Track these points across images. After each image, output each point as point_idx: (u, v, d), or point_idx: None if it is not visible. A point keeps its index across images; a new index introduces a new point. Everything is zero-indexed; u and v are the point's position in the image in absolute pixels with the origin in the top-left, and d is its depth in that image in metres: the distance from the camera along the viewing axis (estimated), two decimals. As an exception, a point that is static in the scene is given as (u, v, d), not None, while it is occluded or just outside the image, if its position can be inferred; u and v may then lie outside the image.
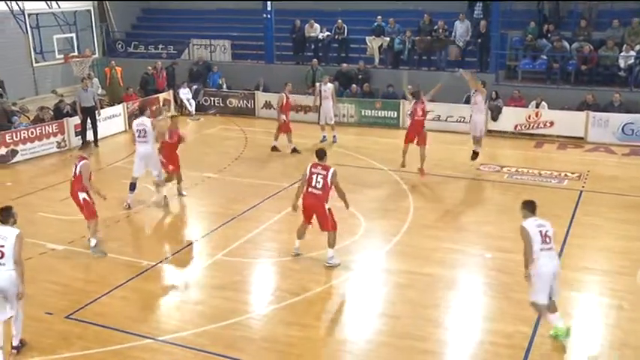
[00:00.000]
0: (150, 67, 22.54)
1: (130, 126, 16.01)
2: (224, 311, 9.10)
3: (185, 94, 22.28)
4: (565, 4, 21.19)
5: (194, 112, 22.04)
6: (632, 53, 18.86)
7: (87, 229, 11.18)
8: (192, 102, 22.33)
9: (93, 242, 11.11)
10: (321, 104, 18.14)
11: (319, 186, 10.17)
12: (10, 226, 8.02)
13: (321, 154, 10.44)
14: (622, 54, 18.97)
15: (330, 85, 18.28)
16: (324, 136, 18.24)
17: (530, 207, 8.29)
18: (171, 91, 22.41)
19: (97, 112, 18.21)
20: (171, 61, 23.78)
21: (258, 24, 23.51)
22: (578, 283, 9.93)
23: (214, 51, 24.67)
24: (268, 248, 11.36)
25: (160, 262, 10.74)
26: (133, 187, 13.10)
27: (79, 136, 18.14)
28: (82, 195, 10.88)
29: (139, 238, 11.97)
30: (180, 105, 22.33)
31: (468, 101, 19.45)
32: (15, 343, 8.21)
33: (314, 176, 10.23)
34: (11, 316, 7.94)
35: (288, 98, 17.35)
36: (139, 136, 13.02)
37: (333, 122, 18.17)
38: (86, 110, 17.91)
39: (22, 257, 7.94)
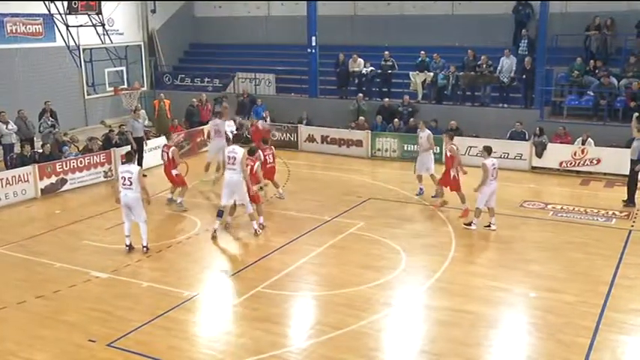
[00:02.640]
0: (195, 100, 23.00)
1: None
2: (264, 344, 9.07)
3: (229, 126, 22.52)
4: (614, 41, 20.92)
5: (237, 145, 22.29)
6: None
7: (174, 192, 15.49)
8: (236, 134, 22.62)
9: (179, 200, 15.27)
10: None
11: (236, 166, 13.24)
12: (134, 164, 12.41)
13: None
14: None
15: (427, 132, 16.15)
16: (421, 189, 16.25)
17: None
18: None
19: (144, 142, 18.71)
20: (217, 94, 24.18)
21: (303, 58, 23.85)
22: (628, 326, 9.61)
23: (259, 84, 25.09)
24: (309, 282, 11.32)
25: (201, 292, 10.81)
26: (220, 213, 13.37)
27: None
28: (174, 172, 15.22)
29: (180, 268, 12.06)
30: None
31: (511, 136, 19.38)
32: (144, 243, 12.42)
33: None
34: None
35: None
36: (229, 163, 13.26)
37: (431, 172, 16.05)
38: (136, 140, 18.44)
39: (144, 184, 12.39)
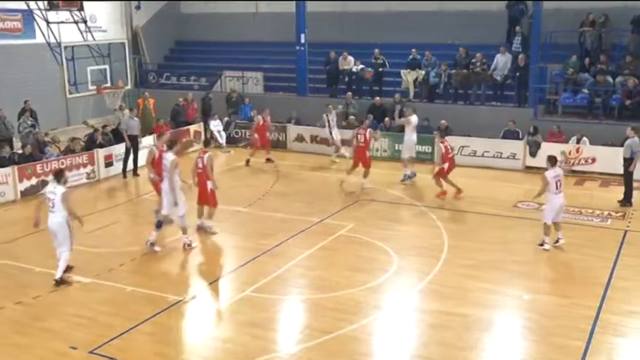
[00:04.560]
0: (181, 99, 22.91)
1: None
2: (252, 349, 9.05)
3: (216, 125, 22.55)
4: (608, 37, 21.03)
5: (224, 145, 22.27)
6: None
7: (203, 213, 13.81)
8: (223, 134, 22.58)
9: (207, 224, 13.61)
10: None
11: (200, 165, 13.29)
12: (62, 185, 10.96)
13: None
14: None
15: (415, 117, 17.97)
16: (406, 175, 17.60)
17: None
18: (202, 123, 22.70)
19: (138, 140, 18.81)
20: (204, 92, 24.10)
21: (291, 56, 23.82)
22: (623, 328, 9.65)
23: (246, 83, 25.04)
24: (298, 285, 11.31)
25: (187, 297, 10.77)
26: (159, 224, 12.78)
27: (109, 167, 18.57)
28: (209, 184, 13.25)
29: (165, 272, 12.01)
30: (210, 137, 22.59)
31: (505, 136, 19.46)
32: (57, 276, 10.96)
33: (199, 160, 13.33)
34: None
35: (264, 121, 19.98)
36: (164, 171, 12.80)
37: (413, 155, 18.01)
38: (131, 139, 18.49)
39: (73, 208, 11.01)
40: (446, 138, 16.45)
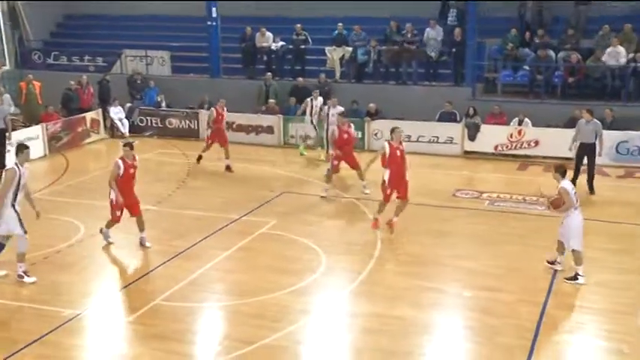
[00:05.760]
0: (73, 82, 22.33)
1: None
2: (163, 366, 8.95)
3: (117, 113, 22.13)
4: (550, 10, 21.72)
5: (127, 134, 21.84)
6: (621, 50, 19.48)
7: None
8: (126, 122, 22.17)
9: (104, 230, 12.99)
10: (327, 129, 18.00)
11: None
12: None
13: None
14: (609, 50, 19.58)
15: (340, 109, 18.04)
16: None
17: None
18: (99, 110, 22.18)
19: (7, 135, 17.82)
20: (101, 74, 23.55)
21: (202, 32, 23.57)
22: (571, 324, 10.06)
23: (151, 63, 24.65)
24: (215, 290, 11.26)
25: (86, 310, 10.50)
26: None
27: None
28: (111, 194, 12.64)
29: (59, 282, 11.66)
30: (111, 126, 22.13)
31: (441, 118, 19.86)
32: None
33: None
34: None
35: (218, 113, 18.47)
36: None
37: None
38: None
39: None
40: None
